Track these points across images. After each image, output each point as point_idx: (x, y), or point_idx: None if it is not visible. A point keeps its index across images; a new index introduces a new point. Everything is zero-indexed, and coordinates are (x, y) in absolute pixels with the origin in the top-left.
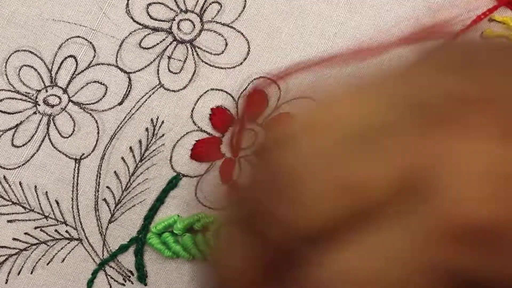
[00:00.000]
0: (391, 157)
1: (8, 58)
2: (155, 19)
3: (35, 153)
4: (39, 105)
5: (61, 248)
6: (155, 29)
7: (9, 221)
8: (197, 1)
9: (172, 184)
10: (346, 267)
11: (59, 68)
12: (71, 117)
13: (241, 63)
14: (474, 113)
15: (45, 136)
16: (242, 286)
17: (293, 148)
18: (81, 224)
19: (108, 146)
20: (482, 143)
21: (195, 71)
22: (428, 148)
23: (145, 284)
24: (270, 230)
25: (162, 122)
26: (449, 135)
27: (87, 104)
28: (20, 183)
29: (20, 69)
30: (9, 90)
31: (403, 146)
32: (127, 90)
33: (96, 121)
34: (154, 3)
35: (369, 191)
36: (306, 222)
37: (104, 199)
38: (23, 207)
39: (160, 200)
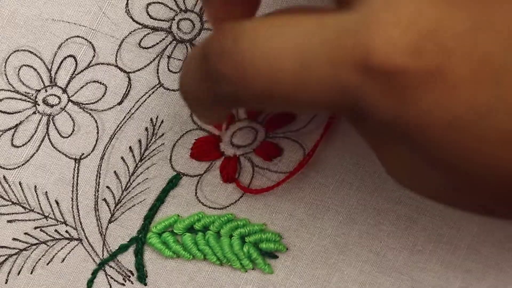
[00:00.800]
0: None
1: (8, 58)
2: (155, 19)
3: (34, 153)
4: (38, 105)
5: (61, 248)
6: (155, 29)
7: (9, 221)
8: (197, 1)
9: (172, 183)
10: (262, 48)
11: (58, 68)
12: (70, 117)
13: None
14: None
15: (44, 136)
16: (191, 97)
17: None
18: (81, 224)
19: (108, 146)
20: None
21: None
22: None
23: (145, 284)
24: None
25: (162, 121)
26: None
27: (87, 104)
28: (20, 183)
29: (19, 69)
30: (8, 90)
31: None
32: (126, 89)
33: (96, 121)
34: (154, 2)
35: None
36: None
37: (104, 199)
38: (23, 207)
39: (160, 199)
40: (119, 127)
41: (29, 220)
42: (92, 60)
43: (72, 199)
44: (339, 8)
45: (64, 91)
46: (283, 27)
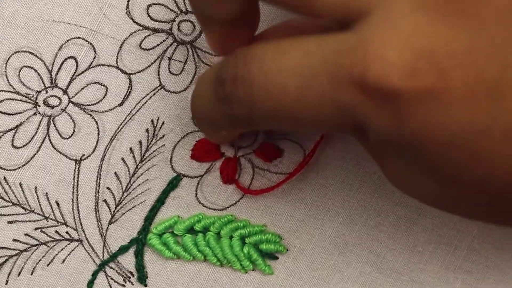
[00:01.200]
0: None
1: (8, 59)
2: (156, 20)
3: (35, 154)
4: (39, 106)
5: (62, 249)
6: (156, 30)
7: (9, 222)
8: None
9: (173, 184)
10: (269, 70)
11: (59, 69)
12: (71, 118)
13: None
14: None
15: (45, 137)
16: (203, 119)
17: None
18: (81, 225)
19: (108, 147)
20: (423, 17)
21: (196, 72)
22: None
23: (145, 285)
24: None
25: (163, 123)
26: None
27: (87, 105)
28: (20, 184)
29: (20, 70)
30: (9, 91)
31: None
32: (127, 91)
33: (96, 122)
34: (154, 4)
35: None
36: None
37: (105, 200)
38: (23, 208)
39: (160, 201)
40: (119, 128)
41: (30, 221)
42: (92, 62)
43: (72, 200)
44: (339, 29)
45: (65, 92)
46: (287, 49)
